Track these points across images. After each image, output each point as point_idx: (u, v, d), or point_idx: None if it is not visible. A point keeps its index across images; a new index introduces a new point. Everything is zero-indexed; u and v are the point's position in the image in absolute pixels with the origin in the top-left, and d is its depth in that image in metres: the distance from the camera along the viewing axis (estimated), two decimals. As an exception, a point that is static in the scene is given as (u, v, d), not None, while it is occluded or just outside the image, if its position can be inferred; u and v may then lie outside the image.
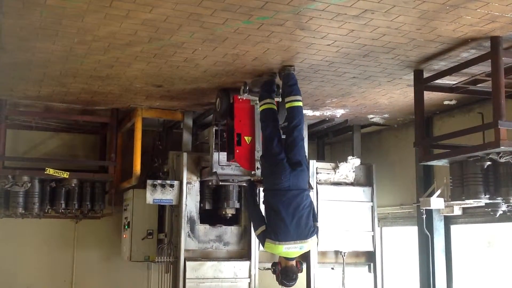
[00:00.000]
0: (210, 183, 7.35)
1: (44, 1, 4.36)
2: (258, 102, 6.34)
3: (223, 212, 7.45)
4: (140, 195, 7.77)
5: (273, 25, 4.83)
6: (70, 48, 5.40)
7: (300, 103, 6.05)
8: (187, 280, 7.07)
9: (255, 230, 5.88)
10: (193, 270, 7.13)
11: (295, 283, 5.86)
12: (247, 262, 7.37)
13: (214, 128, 7.00)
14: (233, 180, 7.10)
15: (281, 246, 5.60)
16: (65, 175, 7.73)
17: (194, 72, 6.13)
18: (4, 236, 8.42)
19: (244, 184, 7.04)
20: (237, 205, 7.45)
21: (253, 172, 6.37)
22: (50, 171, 7.63)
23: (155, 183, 7.19)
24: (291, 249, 5.63)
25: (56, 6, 4.44)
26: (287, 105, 6.06)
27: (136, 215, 7.96)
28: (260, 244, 5.94)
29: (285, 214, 5.59)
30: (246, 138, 6.52)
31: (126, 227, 8.11)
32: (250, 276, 7.35)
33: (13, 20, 4.74)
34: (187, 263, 7.10)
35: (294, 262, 5.79)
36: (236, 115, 6.51)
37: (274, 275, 5.89)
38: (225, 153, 6.81)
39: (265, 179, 5.95)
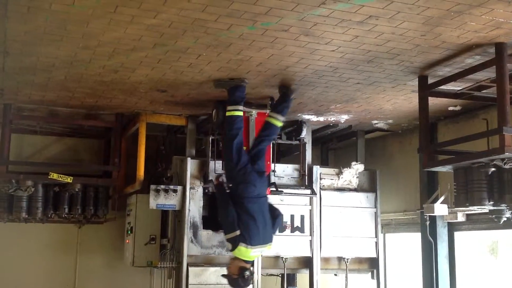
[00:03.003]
0: (206, 191, 7.37)
1: (49, 6, 4.37)
2: (228, 106, 6.37)
3: (219, 219, 7.47)
4: (143, 200, 7.76)
5: (277, 31, 4.84)
6: (75, 53, 5.41)
7: (280, 124, 6.49)
8: (189, 286, 7.04)
9: (226, 233, 6.05)
10: (195, 275, 7.11)
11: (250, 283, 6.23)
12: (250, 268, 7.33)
13: (210, 138, 7.25)
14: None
15: (250, 249, 5.95)
16: (69, 179, 7.73)
17: (198, 77, 6.13)
18: (7, 240, 8.43)
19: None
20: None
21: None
22: (54, 175, 7.63)
23: (158, 188, 7.19)
24: (256, 253, 6.07)
25: (61, 11, 4.45)
26: (269, 119, 6.46)
27: (139, 220, 7.95)
28: (228, 246, 6.11)
29: (258, 220, 5.98)
30: None
31: (129, 232, 8.10)
32: (252, 282, 7.31)
33: (18, 25, 4.75)
34: (190, 268, 7.08)
35: (249, 265, 6.09)
36: None
37: (229, 279, 6.11)
38: (221, 161, 7.11)
39: (237, 186, 6.13)
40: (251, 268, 6.12)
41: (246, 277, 5.95)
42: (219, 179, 6.35)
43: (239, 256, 5.98)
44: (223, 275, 6.23)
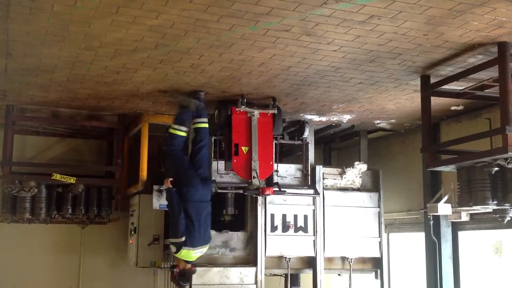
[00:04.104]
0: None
1: (51, 7, 4.38)
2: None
3: (221, 219, 7.51)
4: (146, 201, 7.77)
5: (279, 31, 4.83)
6: (77, 54, 5.42)
7: (206, 125, 6.67)
8: (193, 286, 7.03)
9: (173, 237, 6.29)
10: (199, 276, 7.10)
11: (190, 283, 6.57)
12: (254, 268, 7.34)
13: (213, 138, 7.26)
14: (231, 187, 7.29)
15: (192, 251, 6.29)
16: (72, 180, 7.75)
17: (200, 77, 6.13)
18: (11, 241, 8.44)
19: (241, 191, 7.21)
20: (235, 212, 7.53)
21: (250, 180, 6.85)
22: (57, 176, 7.65)
23: (161, 188, 7.19)
24: (197, 253, 6.37)
25: (63, 12, 4.46)
26: (195, 125, 6.65)
27: (142, 221, 7.95)
28: (172, 248, 6.37)
29: (197, 223, 6.27)
30: (243, 148, 6.96)
31: (132, 232, 8.10)
32: (256, 282, 7.32)
33: (20, 26, 4.76)
34: (194, 269, 7.08)
35: (190, 265, 6.41)
36: (233, 126, 6.91)
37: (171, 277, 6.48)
38: (224, 161, 7.17)
39: (181, 190, 6.38)
40: (193, 268, 6.46)
41: (174, 274, 6.36)
42: (170, 181, 6.48)
43: (182, 258, 6.33)
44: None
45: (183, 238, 6.21)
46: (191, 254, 6.32)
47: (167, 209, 7.49)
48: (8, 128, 7.51)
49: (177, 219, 6.25)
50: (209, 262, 7.28)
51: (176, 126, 6.62)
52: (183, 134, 6.60)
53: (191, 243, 6.25)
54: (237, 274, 7.26)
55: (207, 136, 6.68)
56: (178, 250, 6.27)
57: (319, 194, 7.75)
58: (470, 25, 4.69)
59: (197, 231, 6.27)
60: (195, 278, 7.05)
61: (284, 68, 5.80)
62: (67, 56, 5.49)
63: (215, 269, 7.19)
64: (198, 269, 7.09)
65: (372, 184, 8.24)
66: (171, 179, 6.48)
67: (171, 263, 7.21)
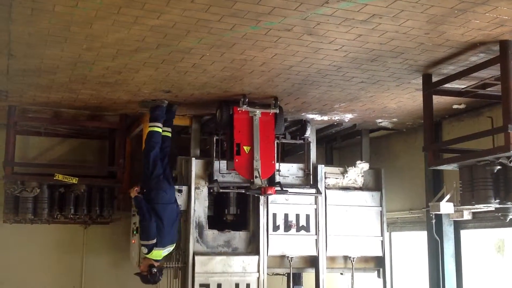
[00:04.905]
0: (211, 190, 7.38)
1: (53, 8, 4.38)
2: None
3: (224, 218, 7.53)
4: (148, 201, 7.75)
5: (280, 31, 4.84)
6: (79, 54, 5.42)
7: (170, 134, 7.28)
8: (196, 274, 7.05)
9: (145, 240, 6.63)
10: (202, 264, 7.12)
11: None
12: (256, 257, 7.34)
13: (215, 138, 7.36)
14: (233, 187, 7.36)
15: (161, 251, 6.70)
16: (74, 180, 7.76)
17: (202, 77, 6.14)
18: (13, 241, 8.44)
19: (243, 191, 7.28)
20: (237, 211, 7.57)
21: (252, 180, 6.91)
22: (59, 176, 7.66)
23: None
24: (165, 252, 6.77)
25: (65, 13, 4.46)
26: (165, 134, 7.19)
27: (144, 221, 7.94)
28: (144, 250, 6.70)
29: (167, 223, 6.67)
30: (245, 147, 7.00)
31: (134, 232, 8.09)
32: (259, 271, 7.33)
33: (22, 27, 4.76)
34: (196, 257, 7.11)
35: (159, 263, 6.79)
36: (235, 125, 6.96)
37: (141, 277, 6.76)
38: (226, 161, 7.22)
39: (150, 192, 6.79)
40: (162, 264, 6.86)
41: (153, 273, 6.64)
42: (136, 190, 6.79)
43: (152, 258, 6.64)
44: (135, 274, 6.87)
45: (155, 240, 6.56)
46: (161, 253, 6.70)
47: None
48: (10, 128, 7.53)
49: (148, 224, 6.57)
50: (211, 261, 7.30)
51: (150, 124, 7.09)
52: (159, 130, 7.04)
53: (161, 243, 6.64)
54: (239, 262, 7.28)
55: (170, 142, 7.17)
56: (149, 251, 6.63)
57: (321, 193, 7.75)
58: (471, 24, 4.69)
59: (166, 231, 6.65)
60: (198, 266, 7.08)
61: (285, 67, 5.80)
62: (69, 57, 5.50)
63: (218, 258, 7.22)
64: (201, 257, 7.17)
65: (374, 183, 8.25)
66: (137, 188, 6.79)
67: (174, 263, 7.24)
